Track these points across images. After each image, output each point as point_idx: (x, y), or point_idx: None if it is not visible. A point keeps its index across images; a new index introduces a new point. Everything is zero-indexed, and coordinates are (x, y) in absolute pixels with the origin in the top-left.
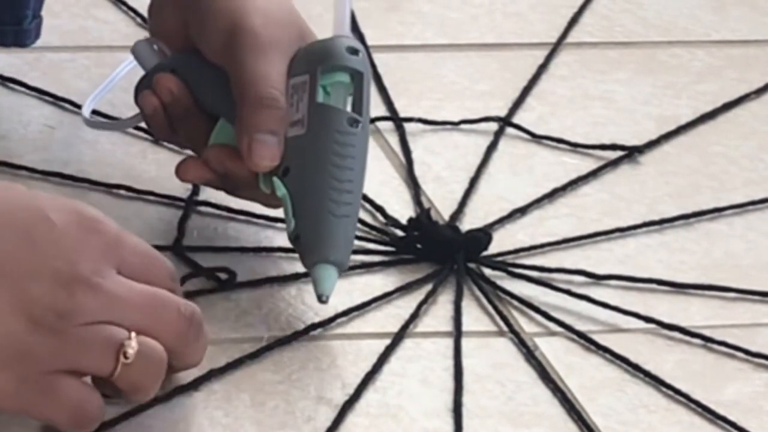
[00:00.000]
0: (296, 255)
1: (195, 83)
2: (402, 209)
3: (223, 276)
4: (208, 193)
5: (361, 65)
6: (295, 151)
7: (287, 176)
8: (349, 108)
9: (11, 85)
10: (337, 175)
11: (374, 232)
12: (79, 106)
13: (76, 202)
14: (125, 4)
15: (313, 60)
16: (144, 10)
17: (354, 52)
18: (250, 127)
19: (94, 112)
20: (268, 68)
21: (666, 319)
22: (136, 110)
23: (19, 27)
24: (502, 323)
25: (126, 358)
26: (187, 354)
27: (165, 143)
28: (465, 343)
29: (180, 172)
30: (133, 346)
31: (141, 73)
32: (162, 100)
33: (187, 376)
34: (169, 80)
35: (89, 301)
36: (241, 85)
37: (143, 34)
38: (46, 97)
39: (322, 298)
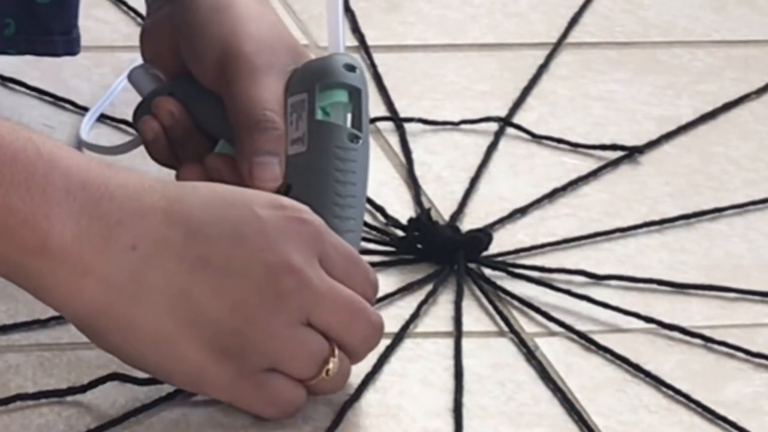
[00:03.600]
0: None
1: (193, 106)
2: (402, 209)
3: None
4: None
5: (358, 82)
6: (296, 169)
7: (290, 193)
8: (348, 124)
9: (11, 85)
10: (339, 191)
11: (374, 233)
12: (79, 106)
13: (279, 196)
14: (125, 4)
15: (311, 78)
16: (144, 10)
17: (351, 69)
18: (249, 151)
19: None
20: (262, 91)
21: (666, 319)
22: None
23: (68, 36)
24: (502, 323)
25: (327, 375)
26: (361, 356)
27: None
28: (465, 343)
29: (180, 177)
30: (335, 363)
31: (132, 87)
32: (162, 123)
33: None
34: (169, 103)
35: (295, 292)
36: (237, 110)
37: None
38: (46, 97)
39: None
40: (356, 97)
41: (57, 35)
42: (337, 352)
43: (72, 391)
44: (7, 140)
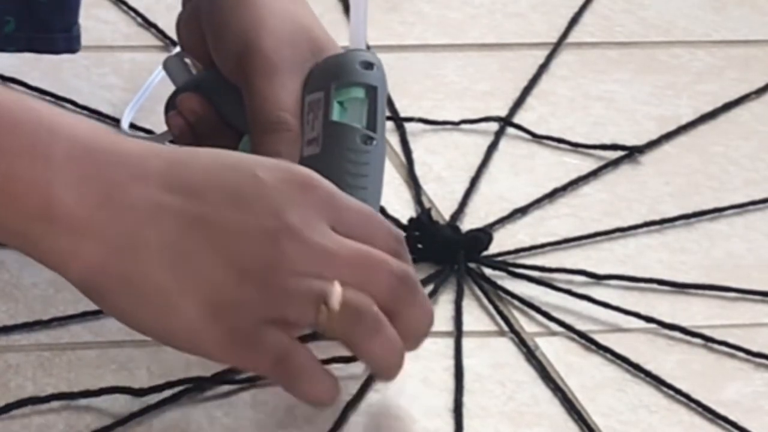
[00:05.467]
0: None
1: (219, 101)
2: (402, 209)
3: None
4: None
5: (375, 80)
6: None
7: None
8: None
9: (11, 85)
10: (351, 195)
11: None
12: (79, 106)
13: (287, 162)
14: (125, 4)
15: (327, 76)
16: (144, 10)
17: (368, 66)
18: (262, 152)
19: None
20: (277, 91)
21: (666, 319)
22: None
23: (68, 34)
24: (502, 323)
25: (327, 306)
26: (405, 316)
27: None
28: (465, 342)
29: None
30: (336, 295)
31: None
32: (187, 120)
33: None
34: (192, 100)
35: (295, 252)
36: (252, 109)
37: (143, 34)
38: (46, 97)
39: None
40: (372, 95)
41: (57, 33)
42: (343, 287)
43: (85, 394)
44: (10, 108)
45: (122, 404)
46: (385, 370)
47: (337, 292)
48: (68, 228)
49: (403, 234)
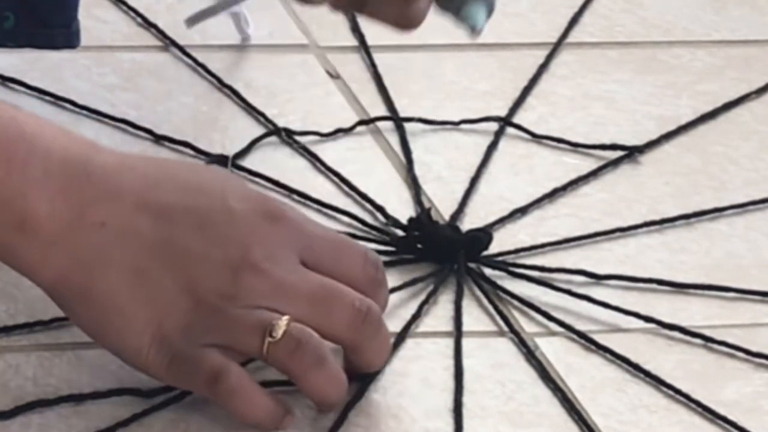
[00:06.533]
0: None
1: None
2: (402, 209)
3: None
4: None
5: None
6: None
7: None
8: None
9: (11, 85)
10: None
11: (375, 232)
12: (79, 106)
13: (263, 193)
14: (125, 4)
15: None
16: (144, 10)
17: None
18: None
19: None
20: None
21: (666, 319)
22: None
23: (68, 29)
24: (502, 323)
25: (272, 337)
26: (364, 351)
27: (166, 143)
28: (465, 343)
29: None
30: (281, 326)
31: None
32: None
33: None
34: None
35: (254, 285)
36: None
37: (143, 34)
38: (46, 97)
39: (475, 29)
40: None
41: (56, 28)
42: (290, 321)
43: (94, 396)
44: None
45: (123, 405)
46: (323, 403)
47: (282, 323)
48: (39, 239)
49: (379, 259)
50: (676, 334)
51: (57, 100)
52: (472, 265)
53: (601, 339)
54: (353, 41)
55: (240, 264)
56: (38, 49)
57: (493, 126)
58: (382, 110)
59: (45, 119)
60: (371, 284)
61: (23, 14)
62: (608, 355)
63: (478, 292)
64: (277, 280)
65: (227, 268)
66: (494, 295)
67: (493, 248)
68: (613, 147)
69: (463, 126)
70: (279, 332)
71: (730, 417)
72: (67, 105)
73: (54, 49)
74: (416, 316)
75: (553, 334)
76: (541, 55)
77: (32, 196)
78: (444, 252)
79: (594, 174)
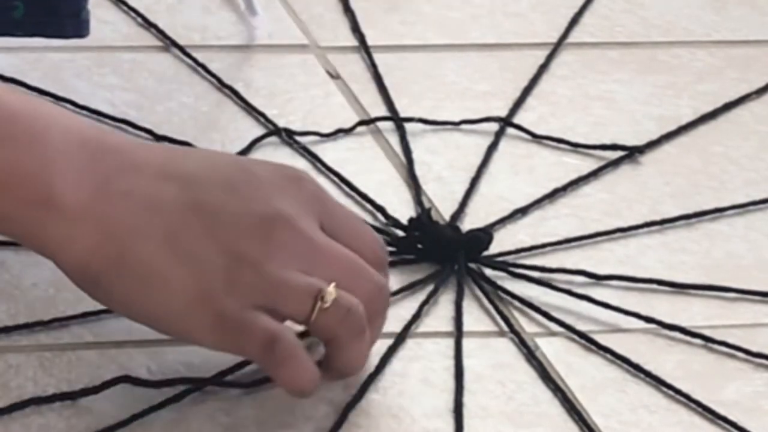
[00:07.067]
0: None
1: None
2: (403, 209)
3: None
4: None
5: None
6: None
7: None
8: None
9: (11, 85)
10: None
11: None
12: (79, 106)
13: (279, 163)
14: (125, 4)
15: None
16: (144, 10)
17: None
18: None
19: None
20: None
21: (667, 319)
22: None
23: (77, 19)
24: (502, 323)
25: (323, 301)
26: (374, 327)
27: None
28: (466, 343)
29: None
30: (331, 292)
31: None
32: None
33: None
34: None
35: (288, 242)
36: None
37: (143, 34)
38: (46, 97)
39: None
40: None
41: (66, 17)
42: (336, 287)
43: (85, 392)
44: (6, 99)
45: (123, 404)
46: (351, 372)
47: (332, 290)
48: (66, 214)
49: (383, 244)
50: (677, 334)
51: (57, 100)
52: (472, 265)
53: (602, 339)
54: (353, 41)
55: (271, 218)
56: (47, 38)
57: (494, 126)
58: (382, 110)
59: (55, 105)
60: (380, 265)
61: (32, 3)
62: (608, 356)
63: (479, 293)
64: (308, 240)
65: (260, 222)
66: (495, 295)
67: (494, 248)
68: (614, 147)
69: (464, 126)
70: (329, 299)
71: (730, 417)
72: (67, 105)
73: (64, 38)
74: (416, 316)
75: (553, 334)
76: (541, 55)
77: (56, 169)
78: (444, 252)
79: (594, 174)
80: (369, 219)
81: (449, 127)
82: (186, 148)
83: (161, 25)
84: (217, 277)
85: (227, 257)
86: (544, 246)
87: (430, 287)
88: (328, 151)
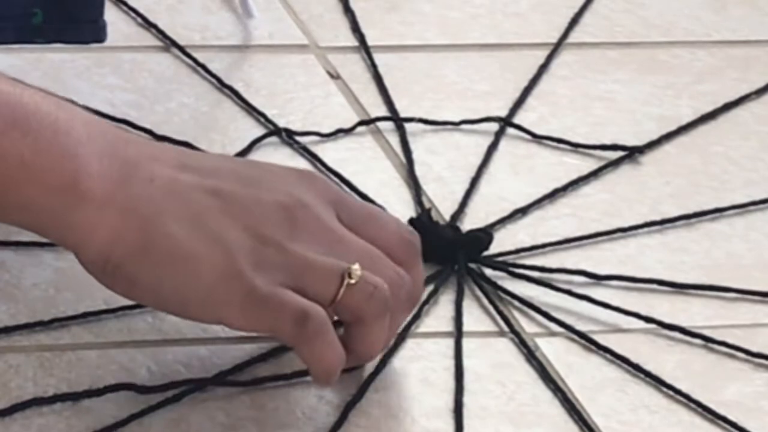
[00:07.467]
0: None
1: None
2: (403, 209)
3: None
4: None
5: None
6: None
7: None
8: None
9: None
10: None
11: None
12: (79, 106)
13: (291, 167)
14: (125, 4)
15: None
16: (144, 10)
17: None
18: None
19: None
20: None
21: (667, 320)
22: None
23: (95, 24)
24: (502, 323)
25: (350, 278)
26: (395, 318)
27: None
28: (466, 343)
29: None
30: (357, 269)
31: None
32: None
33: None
34: None
35: (310, 224)
36: None
37: (143, 34)
38: None
39: None
40: None
41: (84, 23)
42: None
43: (88, 394)
44: (26, 93)
45: (122, 405)
46: (373, 354)
47: (357, 268)
48: (91, 201)
49: (415, 235)
50: (677, 334)
51: None
52: (472, 265)
53: (602, 339)
54: (353, 41)
55: (292, 207)
56: (66, 44)
57: (494, 126)
58: (382, 110)
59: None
60: (407, 252)
61: (51, 10)
62: (608, 356)
63: (479, 293)
64: (328, 228)
65: (281, 209)
66: (495, 295)
67: (494, 248)
68: (614, 147)
69: (464, 126)
70: (356, 275)
71: (731, 417)
72: None
73: (82, 44)
74: (417, 316)
75: (553, 334)
76: (541, 55)
77: (82, 154)
78: (444, 252)
79: (594, 174)
80: None
81: (449, 127)
82: (198, 152)
83: (161, 25)
84: (244, 254)
85: (251, 237)
86: (544, 246)
87: (430, 287)
88: (328, 151)
